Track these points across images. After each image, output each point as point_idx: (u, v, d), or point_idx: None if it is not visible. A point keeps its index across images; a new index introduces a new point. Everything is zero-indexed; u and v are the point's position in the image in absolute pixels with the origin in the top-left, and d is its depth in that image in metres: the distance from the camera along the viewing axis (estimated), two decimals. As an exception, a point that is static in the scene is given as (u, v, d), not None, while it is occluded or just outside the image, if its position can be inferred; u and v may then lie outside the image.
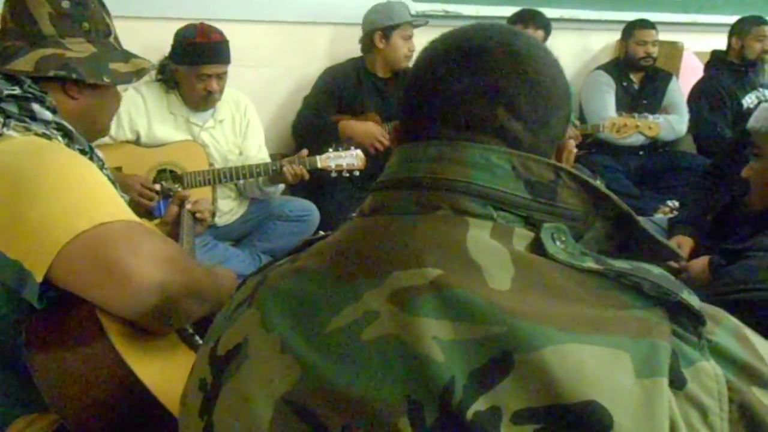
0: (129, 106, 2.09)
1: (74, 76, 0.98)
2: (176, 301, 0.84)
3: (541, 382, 0.43)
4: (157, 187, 2.01)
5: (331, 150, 2.27)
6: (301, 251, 0.61)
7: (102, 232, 0.81)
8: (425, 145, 0.56)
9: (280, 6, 2.64)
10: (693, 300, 0.48)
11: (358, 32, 2.62)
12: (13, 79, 0.95)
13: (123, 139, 2.12)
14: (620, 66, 3.24)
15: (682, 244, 1.97)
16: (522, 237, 0.51)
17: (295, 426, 0.49)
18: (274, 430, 0.50)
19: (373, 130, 2.51)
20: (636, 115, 2.91)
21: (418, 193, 0.54)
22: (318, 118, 2.54)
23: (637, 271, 0.49)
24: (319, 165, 2.25)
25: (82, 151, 0.98)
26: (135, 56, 1.10)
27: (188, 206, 1.40)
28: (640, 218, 0.55)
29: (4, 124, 0.90)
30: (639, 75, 3.24)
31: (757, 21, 3.19)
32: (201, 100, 2.15)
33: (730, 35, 3.25)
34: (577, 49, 3.60)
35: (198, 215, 1.41)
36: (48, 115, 0.95)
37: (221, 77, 2.13)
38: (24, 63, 0.96)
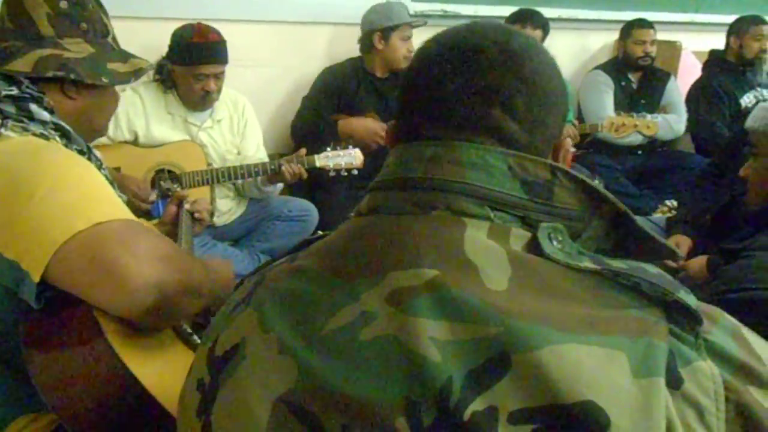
0: (127, 106, 2.09)
1: (72, 76, 0.98)
2: (173, 299, 0.84)
3: (538, 382, 0.43)
4: (153, 196, 2.01)
5: (329, 149, 2.27)
6: (299, 251, 0.61)
7: (99, 231, 0.81)
8: (421, 145, 0.56)
9: (279, 6, 2.64)
10: (690, 299, 0.48)
11: (357, 32, 2.62)
12: (11, 79, 0.95)
13: (121, 140, 2.12)
14: (618, 66, 3.25)
15: (681, 243, 1.98)
16: (519, 237, 0.51)
17: (293, 426, 0.49)
18: (272, 430, 0.50)
19: (372, 126, 2.51)
20: (634, 114, 2.91)
21: (415, 194, 0.54)
22: (317, 117, 2.54)
23: (635, 271, 0.49)
24: (317, 164, 2.25)
25: (80, 152, 0.98)
26: (133, 56, 1.10)
27: (187, 206, 1.40)
28: (637, 217, 0.55)
29: (2, 125, 0.90)
30: (637, 74, 3.25)
31: (756, 20, 3.19)
32: (199, 100, 2.15)
33: (729, 35, 3.25)
34: (575, 48, 3.60)
35: (196, 215, 1.41)
36: (46, 115, 0.95)
37: (219, 77, 2.12)
38: (22, 63, 0.96)
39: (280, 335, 0.52)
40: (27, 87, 0.95)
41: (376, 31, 2.55)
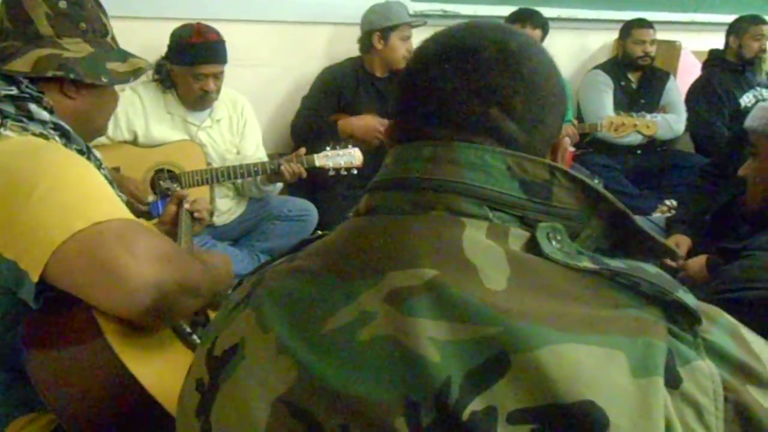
0: (126, 106, 2.09)
1: (72, 76, 0.98)
2: (172, 299, 0.84)
3: (537, 382, 0.43)
4: (151, 198, 2.01)
5: (328, 148, 2.27)
6: (297, 251, 0.61)
7: (98, 231, 0.81)
8: (419, 145, 0.56)
9: (279, 6, 2.64)
10: (689, 299, 0.48)
11: (356, 32, 2.62)
12: (10, 79, 0.95)
13: (120, 140, 2.12)
14: (618, 65, 3.25)
15: (680, 243, 1.98)
16: (518, 237, 0.51)
17: (292, 426, 0.49)
18: (271, 430, 0.50)
19: (371, 123, 2.51)
20: (634, 114, 2.91)
21: (413, 194, 0.54)
22: (317, 117, 2.54)
23: (633, 270, 0.49)
24: (316, 163, 2.25)
25: (80, 151, 0.98)
26: (132, 56, 1.10)
27: (186, 206, 1.40)
28: (637, 217, 0.55)
29: (2, 124, 0.90)
30: (637, 74, 3.25)
31: (755, 20, 3.19)
32: (198, 99, 2.15)
33: (728, 34, 3.25)
34: (574, 48, 3.60)
35: (196, 214, 1.41)
36: (45, 115, 0.95)
37: (218, 77, 2.12)
38: (21, 63, 0.96)
39: (278, 335, 0.52)
40: (26, 87, 0.95)
41: (376, 31, 2.55)
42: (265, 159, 2.29)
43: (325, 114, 2.55)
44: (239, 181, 2.27)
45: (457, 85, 0.55)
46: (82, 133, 1.02)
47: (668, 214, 2.47)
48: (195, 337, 1.01)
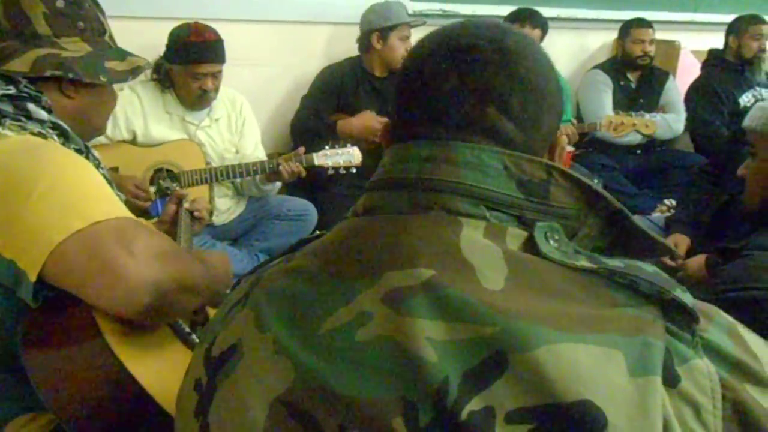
0: (125, 105, 2.09)
1: (71, 75, 0.98)
2: (171, 298, 0.84)
3: (535, 381, 0.43)
4: (153, 189, 2.01)
5: (327, 147, 2.27)
6: (295, 251, 0.61)
7: (96, 230, 0.81)
8: (416, 145, 0.56)
9: (278, 6, 2.64)
10: (686, 297, 0.48)
11: (356, 32, 2.62)
12: (8, 78, 0.95)
13: (119, 139, 2.12)
14: (617, 65, 3.25)
15: (679, 242, 1.98)
16: (515, 236, 0.51)
17: (290, 427, 0.49)
18: (269, 430, 0.50)
19: (370, 122, 2.51)
20: (633, 113, 2.91)
21: (411, 194, 0.54)
22: (316, 117, 2.54)
23: (631, 269, 0.49)
24: (315, 162, 2.25)
25: (78, 151, 0.98)
26: (130, 54, 1.10)
27: (186, 205, 1.40)
28: (636, 216, 0.55)
29: (0, 124, 0.90)
30: (636, 74, 3.25)
31: (754, 20, 3.19)
32: (196, 99, 2.15)
33: (727, 34, 3.25)
34: (574, 48, 3.60)
35: (196, 214, 1.41)
36: (44, 114, 0.95)
37: (216, 76, 2.12)
38: (20, 63, 0.96)
39: (276, 335, 0.52)
40: (25, 86, 0.95)
41: (374, 31, 2.55)
42: (264, 158, 2.29)
43: (325, 113, 2.55)
44: (238, 180, 2.27)
45: (453, 85, 0.55)
46: (81, 133, 1.02)
47: (667, 214, 2.47)
48: (194, 336, 1.01)
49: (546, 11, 3.01)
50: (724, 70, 3.23)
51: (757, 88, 3.25)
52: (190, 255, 1.00)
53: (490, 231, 0.51)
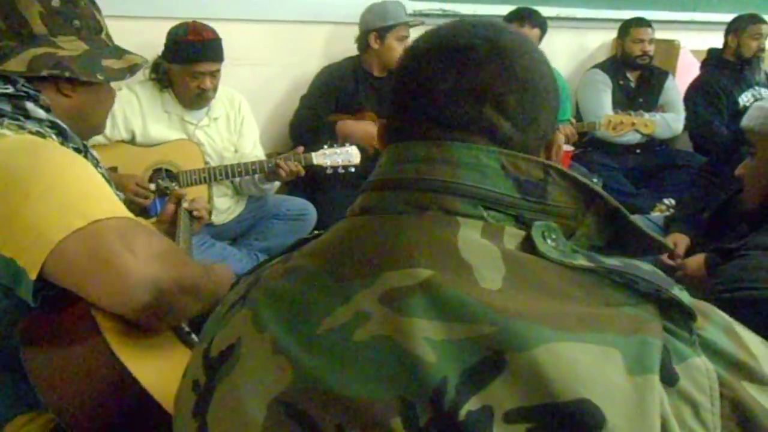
0: (124, 105, 2.09)
1: (67, 74, 0.98)
2: (171, 298, 0.84)
3: (533, 381, 0.43)
4: (153, 186, 2.01)
5: (326, 146, 2.27)
6: (293, 251, 0.61)
7: (96, 229, 0.81)
8: (413, 145, 0.56)
9: (278, 5, 2.64)
10: (684, 296, 0.48)
11: (355, 31, 2.62)
12: (6, 78, 0.95)
13: (118, 139, 2.11)
14: (617, 64, 3.25)
15: (679, 241, 1.98)
16: (513, 236, 0.51)
17: (289, 427, 0.49)
18: (268, 430, 0.49)
19: (371, 130, 2.51)
20: (632, 112, 2.92)
21: (408, 194, 0.54)
22: (315, 117, 2.54)
23: (629, 268, 0.49)
24: (314, 161, 2.25)
25: (77, 150, 0.98)
26: (127, 52, 1.10)
27: (185, 204, 1.39)
28: (635, 216, 0.55)
29: (-1, 123, 0.90)
30: (635, 73, 3.25)
31: (754, 19, 3.19)
32: (195, 98, 2.15)
33: (727, 33, 3.25)
34: (573, 47, 3.60)
35: (195, 213, 1.41)
36: (42, 113, 0.95)
37: (214, 75, 2.12)
38: (17, 63, 0.96)
39: (274, 335, 0.52)
40: (22, 85, 0.95)
41: (372, 31, 2.54)
42: (263, 157, 2.29)
43: (324, 113, 2.55)
44: (237, 179, 2.27)
45: (449, 85, 0.55)
46: (80, 132, 1.01)
47: (667, 213, 2.47)
48: (194, 336, 1.01)
49: (545, 10, 3.01)
50: (724, 70, 3.23)
51: (757, 88, 3.25)
52: (191, 257, 1.00)
53: (487, 231, 0.51)
